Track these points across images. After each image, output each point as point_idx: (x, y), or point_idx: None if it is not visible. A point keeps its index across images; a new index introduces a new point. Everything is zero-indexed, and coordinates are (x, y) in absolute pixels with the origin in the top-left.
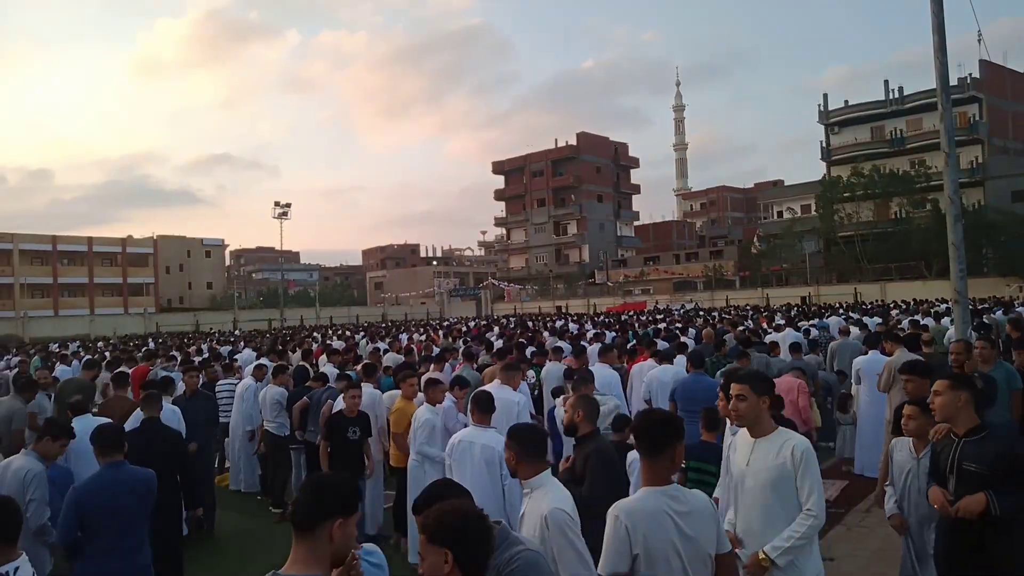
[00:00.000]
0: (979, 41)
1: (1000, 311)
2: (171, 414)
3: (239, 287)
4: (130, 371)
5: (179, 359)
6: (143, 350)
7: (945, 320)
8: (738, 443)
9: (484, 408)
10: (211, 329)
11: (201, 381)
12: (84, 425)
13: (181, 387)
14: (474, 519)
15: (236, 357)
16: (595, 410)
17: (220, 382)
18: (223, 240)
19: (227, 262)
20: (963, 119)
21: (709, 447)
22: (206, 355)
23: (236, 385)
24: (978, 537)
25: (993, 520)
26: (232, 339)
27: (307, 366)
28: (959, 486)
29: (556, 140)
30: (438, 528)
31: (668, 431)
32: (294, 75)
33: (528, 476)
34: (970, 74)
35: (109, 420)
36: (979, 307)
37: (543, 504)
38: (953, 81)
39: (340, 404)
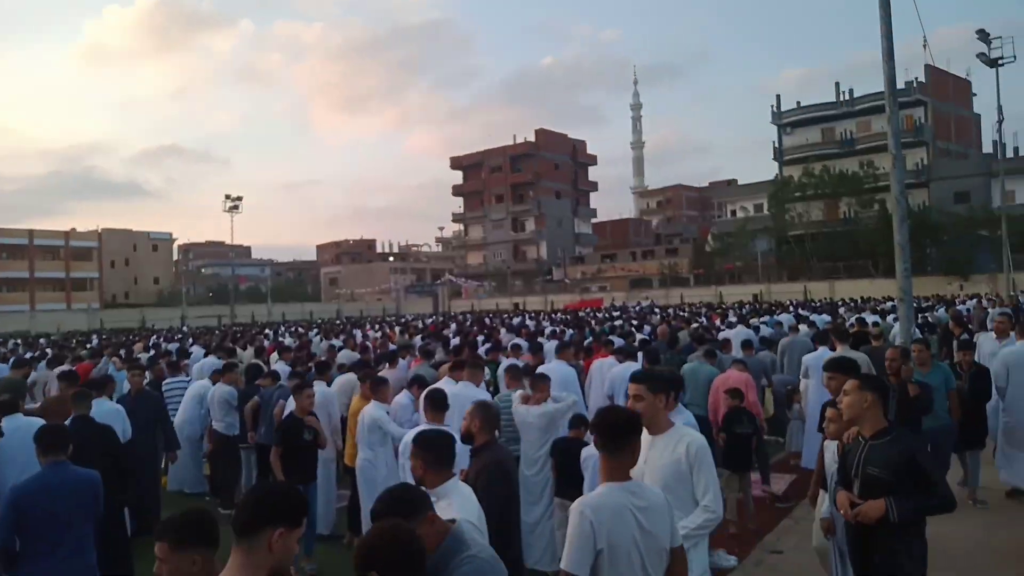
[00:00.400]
0: (924, 47)
1: (942, 309)
2: (115, 413)
3: (187, 282)
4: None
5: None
6: (87, 347)
7: (890, 317)
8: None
9: (438, 406)
10: (152, 326)
11: (147, 379)
12: (13, 425)
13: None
14: (404, 538)
15: (191, 351)
16: (493, 419)
17: (167, 380)
18: (171, 234)
19: (175, 256)
20: (909, 122)
21: None
22: (152, 352)
23: (184, 383)
24: (880, 541)
25: (892, 526)
26: (179, 336)
27: (260, 364)
28: (863, 490)
29: (515, 136)
30: (365, 557)
31: (628, 428)
32: (247, 66)
33: (435, 485)
34: (916, 78)
35: (40, 419)
36: (923, 305)
37: (448, 514)
38: (900, 85)
39: (292, 404)
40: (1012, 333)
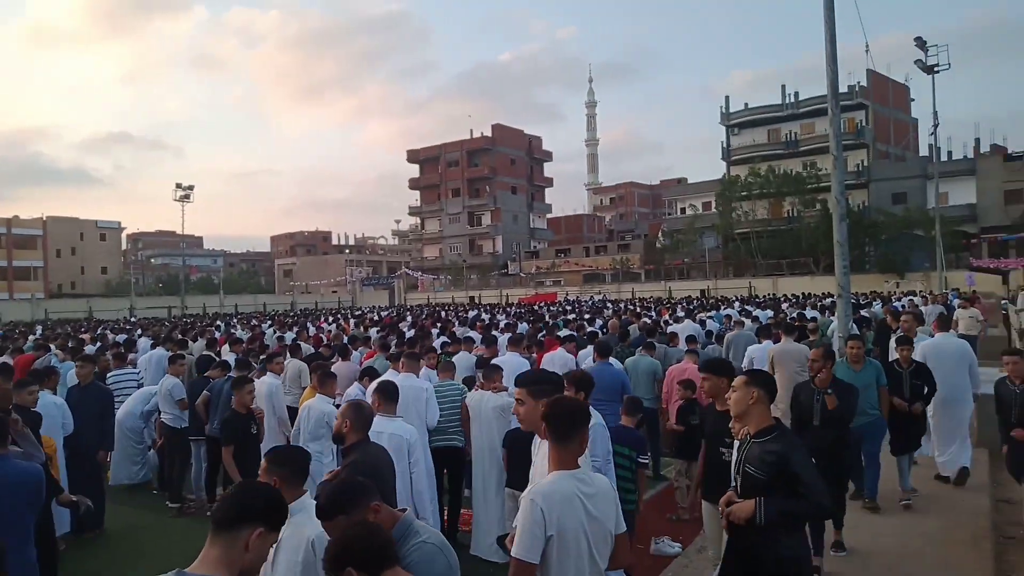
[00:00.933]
0: (867, 52)
1: (879, 305)
2: (53, 407)
3: (137, 272)
4: (12, 361)
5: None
6: (30, 338)
7: (828, 313)
8: (539, 445)
9: (390, 397)
10: (94, 318)
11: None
12: None
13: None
14: (373, 531)
15: (139, 343)
16: (365, 419)
17: (112, 372)
18: (120, 223)
19: (124, 246)
20: (851, 125)
21: (624, 431)
22: (99, 344)
23: (132, 375)
24: (750, 542)
25: (760, 528)
26: (128, 327)
27: (212, 355)
28: (743, 489)
29: (472, 131)
30: (339, 555)
31: (577, 418)
32: (201, 52)
33: (290, 501)
34: (859, 83)
35: None
36: (860, 302)
37: (307, 528)
38: (843, 88)
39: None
40: (919, 331)
